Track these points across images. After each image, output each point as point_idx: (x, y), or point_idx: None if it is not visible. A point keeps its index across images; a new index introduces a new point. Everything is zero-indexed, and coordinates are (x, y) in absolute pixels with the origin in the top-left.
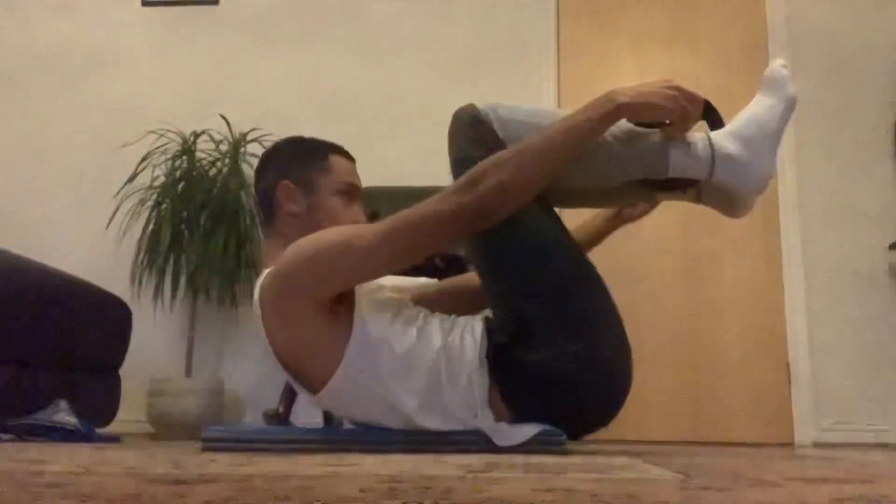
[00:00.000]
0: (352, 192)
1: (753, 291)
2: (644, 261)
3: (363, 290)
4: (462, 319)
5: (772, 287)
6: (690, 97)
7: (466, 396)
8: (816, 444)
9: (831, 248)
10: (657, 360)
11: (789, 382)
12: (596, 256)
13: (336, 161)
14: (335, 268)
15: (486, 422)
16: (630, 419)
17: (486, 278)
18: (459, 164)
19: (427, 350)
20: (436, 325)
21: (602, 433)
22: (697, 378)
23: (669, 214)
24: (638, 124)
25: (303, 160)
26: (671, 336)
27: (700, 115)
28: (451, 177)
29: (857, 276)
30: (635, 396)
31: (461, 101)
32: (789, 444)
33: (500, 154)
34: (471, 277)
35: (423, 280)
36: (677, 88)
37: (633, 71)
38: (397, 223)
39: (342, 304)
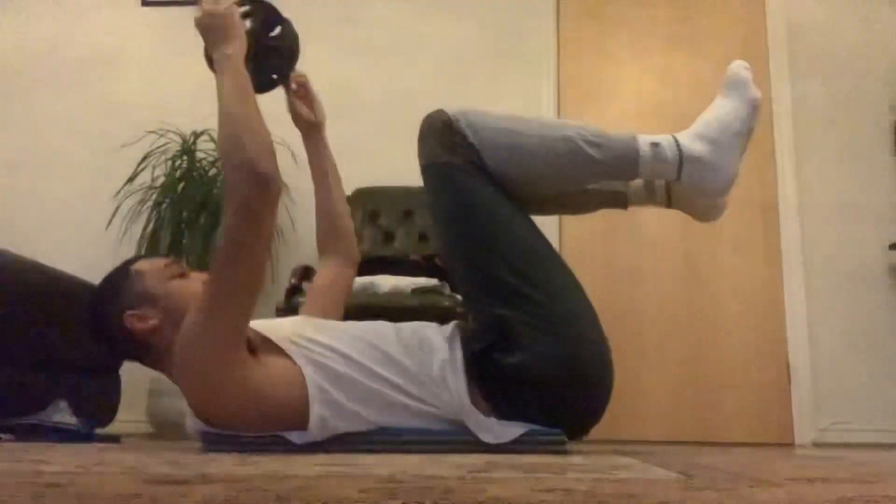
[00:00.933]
0: (175, 269)
1: (753, 291)
2: (644, 261)
3: (278, 334)
4: (423, 326)
5: (772, 287)
6: (222, 5)
7: (447, 398)
8: (816, 444)
9: (831, 248)
10: (657, 360)
11: (789, 382)
12: (596, 256)
13: (140, 265)
14: (215, 340)
15: (473, 418)
16: (630, 419)
17: (462, 284)
18: (430, 169)
19: (385, 346)
20: (390, 334)
21: (602, 433)
22: (697, 378)
23: (669, 214)
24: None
25: (118, 288)
26: (671, 336)
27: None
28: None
29: (857, 276)
30: (635, 396)
31: (461, 101)
32: (789, 444)
33: (220, 148)
34: (324, 271)
35: (422, 280)
36: (211, 2)
37: (633, 71)
38: (215, 267)
39: (271, 353)
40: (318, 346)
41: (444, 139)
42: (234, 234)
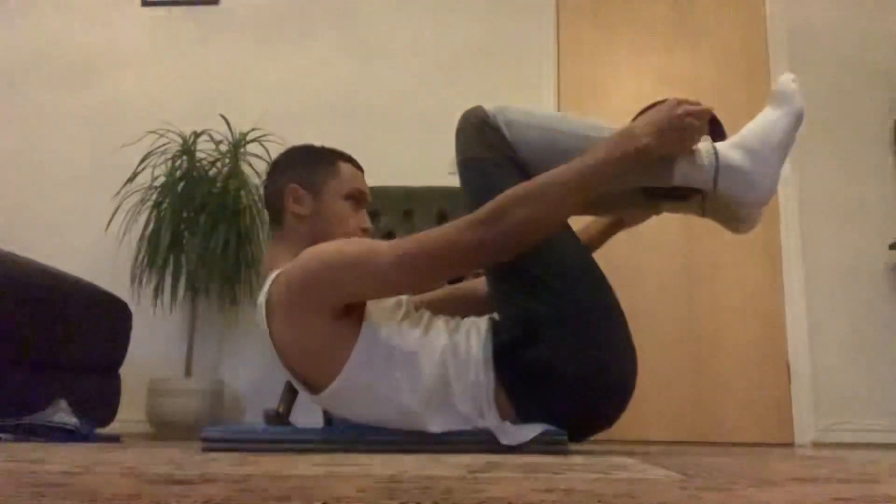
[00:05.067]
0: (359, 197)
1: (753, 291)
2: (644, 261)
3: (383, 313)
4: (467, 320)
5: (772, 287)
6: (699, 113)
7: (474, 393)
8: (816, 444)
9: (831, 248)
10: (657, 360)
11: (789, 382)
12: (597, 256)
13: (344, 167)
14: (350, 282)
15: (491, 421)
16: (630, 419)
17: (492, 277)
18: (466, 165)
19: (433, 348)
20: (441, 325)
21: (602, 433)
22: (697, 378)
23: (670, 215)
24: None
25: (312, 165)
26: (671, 336)
27: (707, 128)
28: (454, 177)
29: (857, 276)
30: (635, 396)
31: (461, 101)
32: (789, 444)
33: (523, 188)
34: (478, 284)
35: None
36: (687, 112)
37: (633, 71)
38: (417, 248)
39: (353, 310)
40: (389, 334)
41: (479, 135)
42: (447, 244)
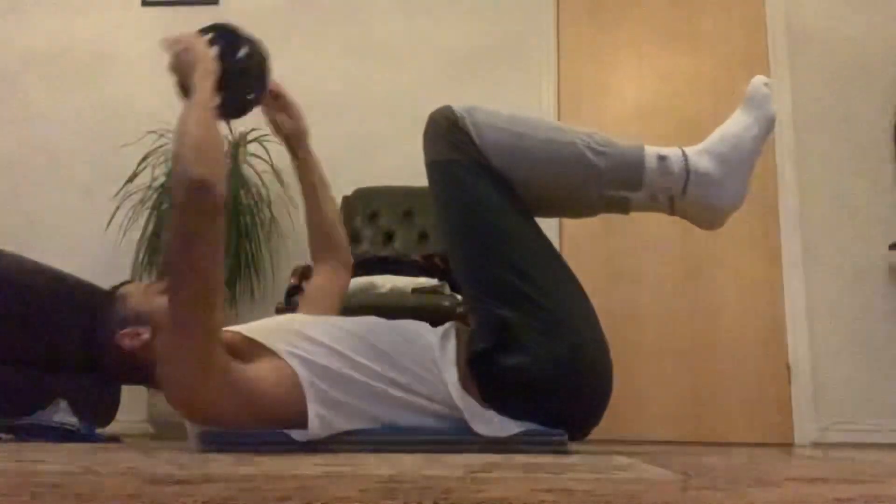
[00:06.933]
0: (159, 286)
1: (753, 291)
2: (644, 261)
3: (265, 334)
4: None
5: (772, 287)
6: (185, 41)
7: (431, 372)
8: (816, 444)
9: (831, 248)
10: (657, 361)
11: (789, 382)
12: (597, 257)
13: (124, 288)
14: (188, 355)
15: (468, 406)
16: (630, 419)
17: (464, 283)
18: (434, 167)
19: (372, 338)
20: (369, 318)
21: (602, 433)
22: (697, 378)
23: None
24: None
25: (106, 313)
26: (671, 336)
27: (205, 46)
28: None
29: (857, 276)
30: (635, 396)
31: (461, 101)
32: (789, 444)
33: (174, 152)
34: (319, 273)
35: (422, 280)
36: (176, 42)
37: (633, 71)
38: (168, 282)
39: (259, 354)
40: (304, 342)
41: (448, 137)
42: (176, 245)
